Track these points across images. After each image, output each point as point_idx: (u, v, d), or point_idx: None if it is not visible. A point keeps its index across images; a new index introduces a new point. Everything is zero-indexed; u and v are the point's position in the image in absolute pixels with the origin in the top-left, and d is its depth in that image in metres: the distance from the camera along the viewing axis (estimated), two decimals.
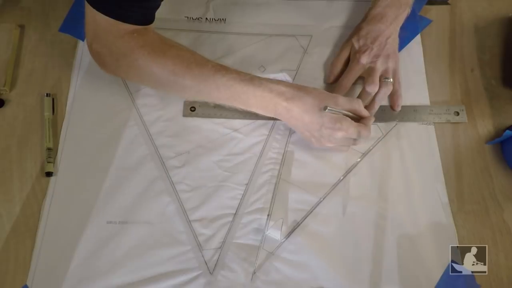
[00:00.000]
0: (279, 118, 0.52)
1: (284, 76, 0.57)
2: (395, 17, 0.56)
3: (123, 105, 0.55)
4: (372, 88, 0.53)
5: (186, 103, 0.56)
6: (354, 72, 0.55)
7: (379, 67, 0.54)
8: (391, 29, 0.55)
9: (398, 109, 0.56)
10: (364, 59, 0.54)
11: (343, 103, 0.49)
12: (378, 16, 0.56)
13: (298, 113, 0.49)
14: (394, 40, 0.56)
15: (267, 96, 0.49)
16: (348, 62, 0.57)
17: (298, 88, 0.50)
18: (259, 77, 0.50)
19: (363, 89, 0.54)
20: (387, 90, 0.54)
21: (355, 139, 0.51)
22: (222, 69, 0.49)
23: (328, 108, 0.47)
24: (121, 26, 0.48)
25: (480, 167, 0.55)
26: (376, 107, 0.55)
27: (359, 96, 0.54)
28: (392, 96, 0.56)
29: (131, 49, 0.49)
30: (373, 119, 0.52)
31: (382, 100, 0.55)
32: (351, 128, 0.48)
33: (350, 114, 0.50)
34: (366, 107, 0.54)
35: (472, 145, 0.56)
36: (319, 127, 0.49)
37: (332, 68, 0.58)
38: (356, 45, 0.56)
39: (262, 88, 0.49)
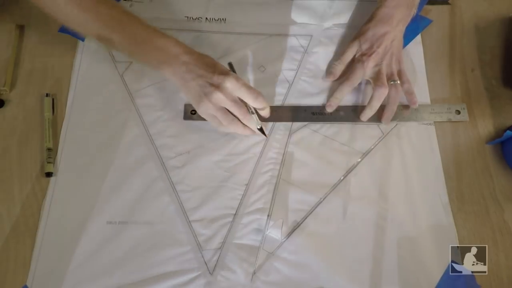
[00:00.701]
0: (173, 77, 0.50)
1: None
2: (402, 18, 0.55)
3: (123, 105, 0.55)
4: (382, 92, 0.53)
5: (186, 107, 0.56)
6: (359, 75, 0.55)
7: (385, 69, 0.54)
8: (396, 30, 0.55)
9: (415, 105, 0.56)
10: (370, 63, 0.54)
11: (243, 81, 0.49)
12: (385, 17, 0.55)
13: (196, 62, 0.49)
14: (399, 41, 0.56)
15: (170, 43, 0.49)
16: (350, 62, 0.57)
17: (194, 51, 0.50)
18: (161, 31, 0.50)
19: (374, 93, 0.54)
20: (396, 92, 0.54)
21: (232, 119, 0.50)
22: (130, 14, 0.49)
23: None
24: None
25: (481, 167, 0.55)
26: (392, 112, 0.54)
27: (371, 102, 0.54)
28: (408, 96, 0.55)
29: None
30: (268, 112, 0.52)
31: (396, 104, 0.54)
32: (240, 83, 0.48)
33: (253, 88, 0.50)
34: (381, 114, 0.54)
35: (472, 145, 0.56)
36: (212, 75, 0.48)
37: (334, 68, 0.58)
38: (362, 47, 0.56)
39: (166, 39, 0.49)
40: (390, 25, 0.55)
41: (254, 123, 0.51)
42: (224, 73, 0.48)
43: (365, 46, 0.55)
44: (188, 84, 0.49)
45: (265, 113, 0.53)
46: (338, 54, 0.59)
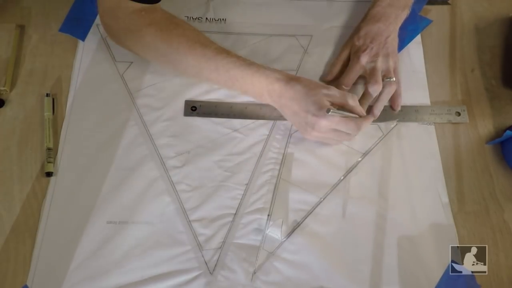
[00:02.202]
0: (273, 105, 0.53)
1: None
2: (395, 17, 0.56)
3: (123, 105, 0.55)
4: (376, 88, 0.53)
5: (187, 103, 0.56)
6: (354, 72, 0.55)
7: (380, 66, 0.54)
8: (390, 28, 0.55)
9: (398, 108, 0.56)
10: (364, 58, 0.54)
11: (336, 94, 0.49)
12: (377, 16, 0.56)
13: (289, 101, 0.50)
14: (394, 39, 0.56)
15: (263, 82, 0.50)
16: (348, 62, 0.57)
17: (290, 77, 0.50)
18: (258, 64, 0.51)
19: (366, 90, 0.54)
20: (390, 89, 0.54)
21: (345, 134, 0.50)
22: (224, 52, 0.51)
23: (331, 111, 0.46)
24: (130, 4, 0.50)
25: (481, 167, 0.55)
26: (380, 108, 0.54)
27: (362, 98, 0.54)
28: (392, 96, 0.56)
29: (139, 27, 0.51)
30: (371, 119, 0.52)
31: (386, 101, 0.55)
32: (337, 119, 0.48)
33: (352, 115, 0.50)
34: (369, 108, 0.54)
35: (472, 145, 0.56)
36: (306, 114, 0.49)
37: (331, 68, 0.58)
38: (356, 45, 0.56)
39: (259, 74, 0.50)
40: (383, 23, 0.55)
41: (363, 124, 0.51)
42: (318, 115, 0.48)
43: (358, 44, 0.56)
44: (288, 116, 0.52)
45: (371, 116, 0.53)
46: (335, 56, 0.59)
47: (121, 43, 0.55)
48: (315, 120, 0.48)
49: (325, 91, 0.49)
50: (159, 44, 0.51)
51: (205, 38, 0.52)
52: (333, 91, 0.49)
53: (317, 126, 0.48)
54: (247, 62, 0.51)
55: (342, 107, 0.49)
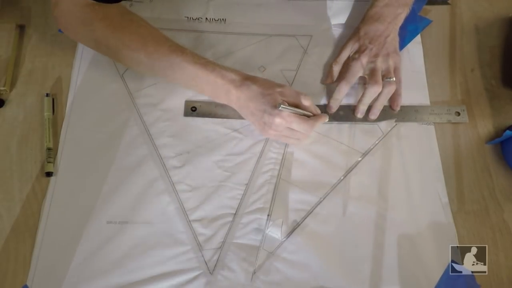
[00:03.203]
0: (230, 105, 0.53)
1: None
2: (394, 17, 0.56)
3: (123, 105, 0.55)
4: (376, 89, 0.53)
5: (187, 103, 0.56)
6: (354, 72, 0.55)
7: (380, 66, 0.54)
8: (390, 28, 0.55)
9: (397, 108, 0.56)
10: (364, 59, 0.54)
11: (290, 93, 0.50)
12: (375, 16, 0.56)
13: (245, 101, 0.50)
14: (394, 39, 0.56)
15: (219, 82, 0.50)
16: (347, 63, 0.57)
17: (246, 77, 0.51)
18: (213, 62, 0.51)
19: (365, 90, 0.54)
20: (390, 89, 0.54)
21: (301, 133, 0.51)
22: (179, 49, 0.50)
23: (281, 106, 0.47)
24: None
25: (480, 167, 0.55)
26: (380, 107, 0.55)
27: (362, 98, 0.54)
28: (392, 96, 0.55)
29: (90, 20, 0.50)
30: (324, 118, 0.52)
31: (386, 101, 0.55)
32: (291, 117, 0.48)
33: (306, 113, 0.50)
34: (369, 108, 0.54)
35: (472, 145, 0.56)
36: (262, 113, 0.49)
37: (330, 69, 0.58)
38: (355, 45, 0.56)
39: (215, 74, 0.50)
40: (382, 23, 0.55)
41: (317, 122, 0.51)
42: (273, 114, 0.48)
43: (358, 44, 0.56)
44: (247, 116, 0.53)
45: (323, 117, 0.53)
46: (335, 56, 0.59)
47: (73, 37, 0.54)
48: (271, 119, 0.49)
49: (279, 89, 0.49)
50: (110, 40, 0.50)
51: (160, 35, 0.51)
52: (288, 90, 0.50)
53: (274, 124, 0.49)
54: (203, 61, 0.50)
55: (297, 107, 0.50)
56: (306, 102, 0.50)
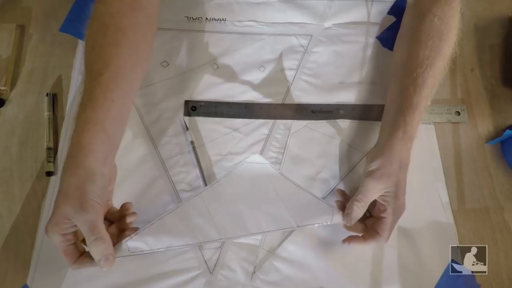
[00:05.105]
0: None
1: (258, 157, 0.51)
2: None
3: None
4: (379, 243, 0.47)
5: (187, 103, 0.56)
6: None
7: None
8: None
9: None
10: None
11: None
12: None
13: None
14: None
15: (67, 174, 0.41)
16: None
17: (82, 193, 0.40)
18: (78, 157, 0.41)
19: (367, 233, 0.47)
20: (378, 244, 0.47)
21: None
22: (92, 107, 0.41)
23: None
24: None
25: (480, 166, 0.55)
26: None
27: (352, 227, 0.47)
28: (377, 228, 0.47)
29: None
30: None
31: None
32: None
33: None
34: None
35: (472, 144, 0.56)
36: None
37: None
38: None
39: (66, 169, 0.41)
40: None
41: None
42: (49, 233, 0.39)
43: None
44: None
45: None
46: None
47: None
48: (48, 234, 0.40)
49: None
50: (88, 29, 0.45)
51: (117, 73, 0.43)
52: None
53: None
54: (84, 141, 0.41)
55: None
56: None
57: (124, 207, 0.45)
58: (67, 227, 0.39)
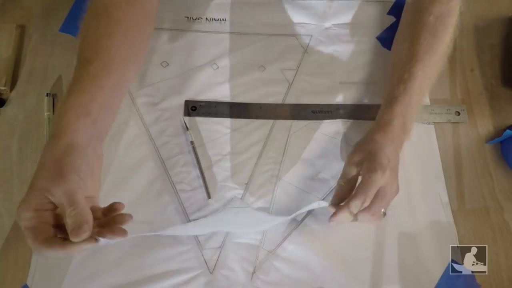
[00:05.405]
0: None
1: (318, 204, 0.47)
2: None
3: (123, 105, 0.55)
4: (367, 218, 0.44)
5: (187, 103, 0.56)
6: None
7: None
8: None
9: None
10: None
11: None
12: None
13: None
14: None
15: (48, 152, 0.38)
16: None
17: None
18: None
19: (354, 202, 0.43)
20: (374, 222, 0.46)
21: None
22: (85, 93, 0.40)
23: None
24: None
25: (480, 166, 0.55)
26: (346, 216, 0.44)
27: (346, 205, 0.44)
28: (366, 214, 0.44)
29: None
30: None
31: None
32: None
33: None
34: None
35: (472, 144, 0.56)
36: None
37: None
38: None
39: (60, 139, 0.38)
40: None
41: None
42: (18, 210, 0.35)
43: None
44: None
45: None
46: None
47: None
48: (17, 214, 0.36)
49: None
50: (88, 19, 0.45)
51: (108, 63, 0.43)
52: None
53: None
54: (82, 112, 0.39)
55: None
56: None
57: (113, 207, 0.40)
58: (41, 202, 0.35)
